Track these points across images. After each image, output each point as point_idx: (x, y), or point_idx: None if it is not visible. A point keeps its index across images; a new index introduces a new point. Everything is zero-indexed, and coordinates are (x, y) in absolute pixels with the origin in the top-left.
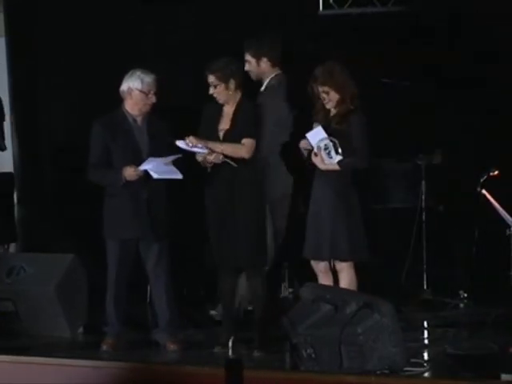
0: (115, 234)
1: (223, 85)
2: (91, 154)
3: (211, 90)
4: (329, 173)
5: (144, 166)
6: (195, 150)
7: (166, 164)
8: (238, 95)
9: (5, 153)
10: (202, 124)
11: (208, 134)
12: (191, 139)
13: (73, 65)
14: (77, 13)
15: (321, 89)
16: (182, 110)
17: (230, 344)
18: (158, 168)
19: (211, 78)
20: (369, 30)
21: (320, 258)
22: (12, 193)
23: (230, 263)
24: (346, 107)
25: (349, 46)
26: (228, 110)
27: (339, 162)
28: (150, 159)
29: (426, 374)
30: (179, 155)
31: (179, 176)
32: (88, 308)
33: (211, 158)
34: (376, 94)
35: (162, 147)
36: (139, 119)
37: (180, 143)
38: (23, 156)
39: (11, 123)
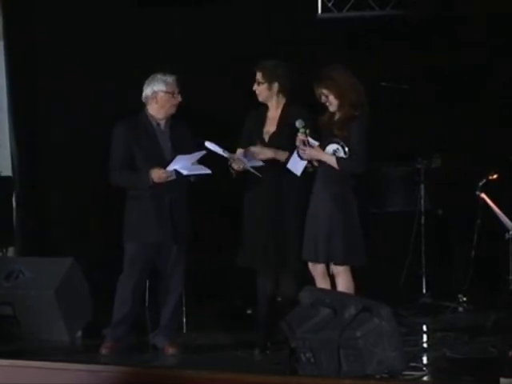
0: (139, 237)
1: (266, 84)
2: (114, 156)
3: (254, 87)
4: (327, 176)
5: (173, 166)
6: (221, 153)
7: (193, 162)
8: (283, 99)
9: (3, 156)
10: (248, 129)
11: (254, 136)
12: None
13: (71, 67)
14: (74, 15)
15: (320, 91)
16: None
17: (269, 345)
18: (186, 166)
19: (258, 75)
20: (367, 34)
21: (316, 260)
22: (10, 197)
23: (270, 265)
24: (347, 113)
25: (347, 50)
26: (273, 114)
27: (338, 161)
28: (177, 157)
29: (425, 378)
30: (205, 152)
31: (208, 171)
32: (87, 311)
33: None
34: (375, 97)
35: (186, 151)
36: (162, 123)
37: (209, 144)
38: (22, 159)
39: (9, 126)
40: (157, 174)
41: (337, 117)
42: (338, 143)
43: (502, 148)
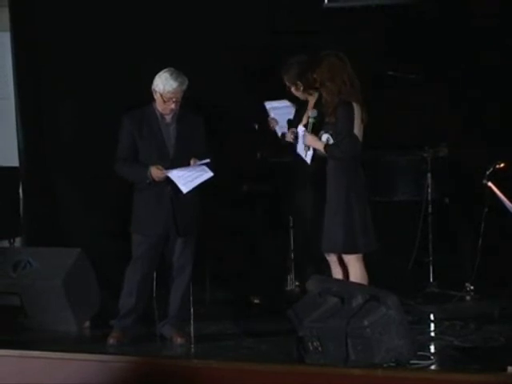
0: (142, 229)
1: (294, 86)
2: (120, 147)
3: (292, 89)
4: (332, 167)
5: (172, 177)
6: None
7: (194, 168)
8: (315, 92)
9: (10, 147)
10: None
11: (296, 123)
12: None
13: (77, 59)
14: (80, 6)
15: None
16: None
17: None
18: (186, 178)
19: (284, 80)
20: (373, 23)
21: (322, 250)
22: (17, 187)
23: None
24: (331, 101)
25: (353, 39)
26: (310, 104)
27: (325, 147)
28: (178, 170)
29: (433, 367)
30: (207, 160)
31: (210, 174)
32: (95, 301)
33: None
34: (381, 86)
35: (189, 146)
36: (168, 116)
37: (268, 104)
38: (28, 150)
39: (16, 116)
40: (154, 173)
41: (325, 105)
42: (328, 132)
43: (509, 136)
